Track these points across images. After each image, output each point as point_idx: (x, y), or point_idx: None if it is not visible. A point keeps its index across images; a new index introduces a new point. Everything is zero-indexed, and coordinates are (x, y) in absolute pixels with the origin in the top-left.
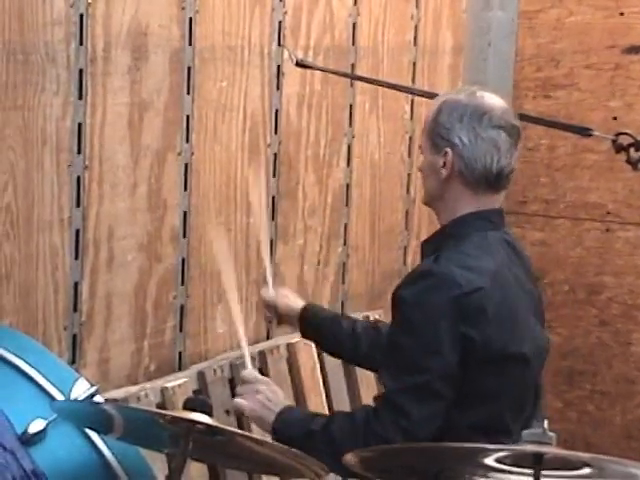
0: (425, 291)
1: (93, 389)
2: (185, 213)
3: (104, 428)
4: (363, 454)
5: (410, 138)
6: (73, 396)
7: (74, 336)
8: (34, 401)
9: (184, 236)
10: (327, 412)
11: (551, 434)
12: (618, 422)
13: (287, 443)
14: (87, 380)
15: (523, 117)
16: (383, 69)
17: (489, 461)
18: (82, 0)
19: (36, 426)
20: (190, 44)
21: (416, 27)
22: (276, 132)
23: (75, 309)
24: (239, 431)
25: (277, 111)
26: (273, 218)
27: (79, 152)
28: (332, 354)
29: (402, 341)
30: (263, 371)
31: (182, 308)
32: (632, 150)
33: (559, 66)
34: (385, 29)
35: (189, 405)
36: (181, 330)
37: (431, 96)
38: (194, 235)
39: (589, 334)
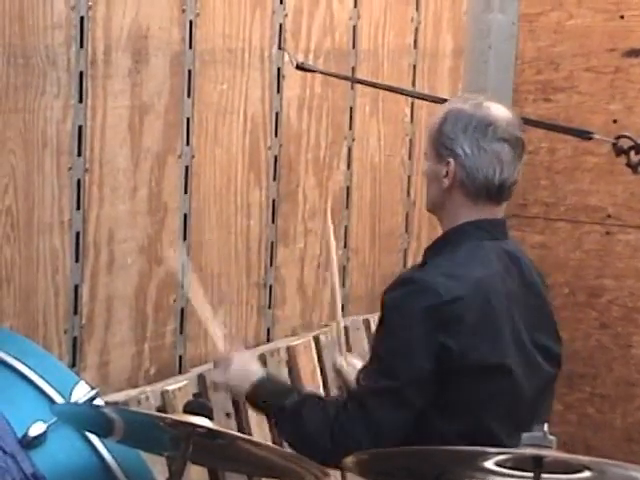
0: (404, 297)
1: (93, 392)
2: (185, 216)
3: (104, 431)
4: (362, 457)
5: (410, 141)
6: (73, 399)
7: (74, 339)
8: (34, 404)
9: (184, 239)
10: None
11: (551, 437)
12: (618, 425)
13: (258, 409)
14: (87, 383)
15: (523, 120)
16: (383, 72)
17: (489, 464)
18: (83, 3)
19: (36, 429)
20: (190, 47)
21: (416, 30)
22: (276, 135)
23: (75, 312)
24: (239, 434)
25: (277, 114)
26: (273, 221)
27: (79, 155)
28: None
29: (380, 343)
30: None
31: (182, 311)
32: (632, 153)
33: (559, 69)
34: (385, 32)
35: (189, 408)
36: (181, 333)
37: (431, 99)
38: (194, 238)
39: (589, 337)
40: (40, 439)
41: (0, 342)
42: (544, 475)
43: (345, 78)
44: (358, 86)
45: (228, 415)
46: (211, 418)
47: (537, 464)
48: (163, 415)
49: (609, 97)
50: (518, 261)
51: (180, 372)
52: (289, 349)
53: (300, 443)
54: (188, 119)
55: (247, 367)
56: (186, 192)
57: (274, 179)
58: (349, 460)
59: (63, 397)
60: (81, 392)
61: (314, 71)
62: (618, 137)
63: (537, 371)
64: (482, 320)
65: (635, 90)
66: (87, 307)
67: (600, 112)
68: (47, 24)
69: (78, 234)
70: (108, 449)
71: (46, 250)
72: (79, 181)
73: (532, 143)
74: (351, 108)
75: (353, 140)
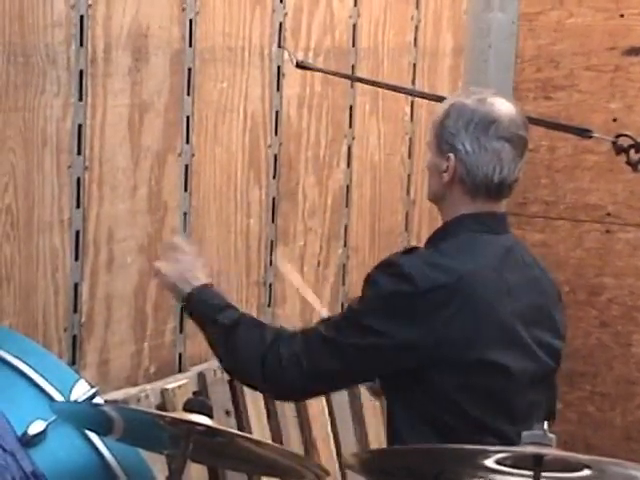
0: (381, 277)
1: (93, 390)
2: (185, 214)
3: (104, 429)
4: (363, 456)
5: (410, 139)
6: (73, 397)
7: (74, 337)
8: (34, 402)
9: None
10: (327, 415)
11: (551, 435)
12: (618, 423)
13: (193, 318)
14: (87, 381)
15: None
16: (383, 70)
17: (489, 463)
18: (82, 2)
19: (36, 427)
20: (190, 45)
21: (416, 28)
22: (276, 133)
23: (75, 310)
24: (239, 433)
25: (277, 112)
26: (273, 220)
27: (79, 153)
28: None
29: (352, 304)
30: None
31: (182, 310)
32: (632, 151)
33: (559, 67)
34: (385, 30)
35: (189, 406)
36: (181, 331)
37: (431, 98)
38: (194, 236)
39: (589, 335)
40: (40, 437)
41: (0, 340)
42: (544, 473)
43: (345, 76)
44: (358, 84)
45: (228, 413)
46: (211, 416)
47: (537, 462)
48: (163, 413)
49: (609, 95)
50: (518, 255)
51: (180, 370)
52: None
53: (230, 362)
54: (188, 117)
55: (194, 270)
56: (186, 190)
57: (274, 177)
58: (349, 458)
59: (63, 395)
60: (81, 390)
61: (314, 69)
62: (618, 136)
63: (531, 364)
64: (463, 312)
65: (635, 89)
66: (87, 305)
67: (600, 110)
68: (47, 22)
69: (78, 233)
70: (108, 447)
71: (46, 248)
72: (79, 179)
73: (532, 141)
74: (351, 106)
75: (353, 139)
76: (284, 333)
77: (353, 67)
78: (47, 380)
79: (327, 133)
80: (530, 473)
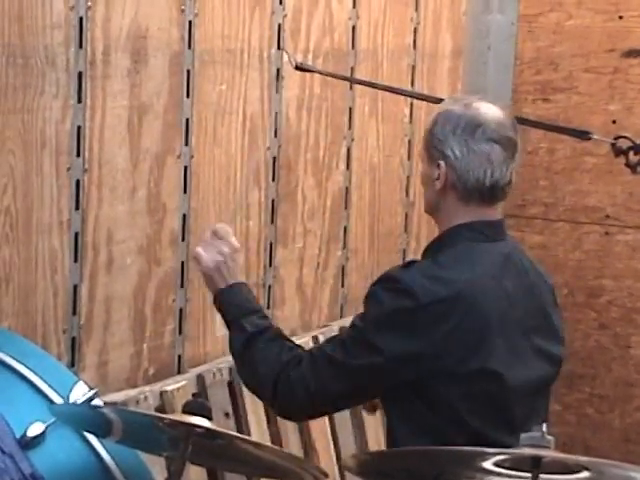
0: (382, 293)
1: (92, 392)
2: (184, 216)
3: (103, 431)
4: (362, 458)
5: (409, 141)
6: (72, 399)
7: (73, 339)
8: (33, 404)
9: (183, 239)
10: (327, 417)
11: (550, 437)
12: (617, 425)
13: (220, 312)
14: (86, 383)
15: (522, 121)
16: (382, 72)
17: (488, 465)
18: (82, 3)
19: (35, 429)
20: (190, 47)
21: (415, 30)
22: (275, 135)
23: (74, 312)
24: (238, 435)
25: (276, 114)
26: (272, 221)
27: (78, 155)
28: None
29: (355, 321)
30: None
31: (181, 311)
32: (631, 153)
33: (558, 69)
34: (384, 32)
35: (188, 408)
36: (180, 333)
37: (430, 100)
38: (193, 238)
39: (588, 337)
40: (39, 439)
41: None
42: (542, 475)
43: (344, 78)
44: (357, 86)
45: (227, 415)
46: (210, 418)
47: (535, 464)
48: (162, 415)
49: (608, 97)
50: (516, 262)
51: (179, 372)
52: None
53: (246, 374)
54: (187, 119)
55: (232, 266)
56: (185, 192)
57: (273, 179)
58: (348, 460)
59: (62, 397)
60: (80, 392)
61: (313, 71)
62: (617, 137)
63: (532, 372)
64: (464, 323)
65: (634, 91)
66: (86, 307)
67: (599, 112)
68: (46, 24)
69: (77, 234)
70: (107, 449)
71: (45, 250)
72: (78, 181)
73: (531, 143)
74: (350, 108)
75: (352, 140)
76: (297, 354)
77: (352, 69)
78: (46, 382)
79: (326, 135)
80: (528, 475)
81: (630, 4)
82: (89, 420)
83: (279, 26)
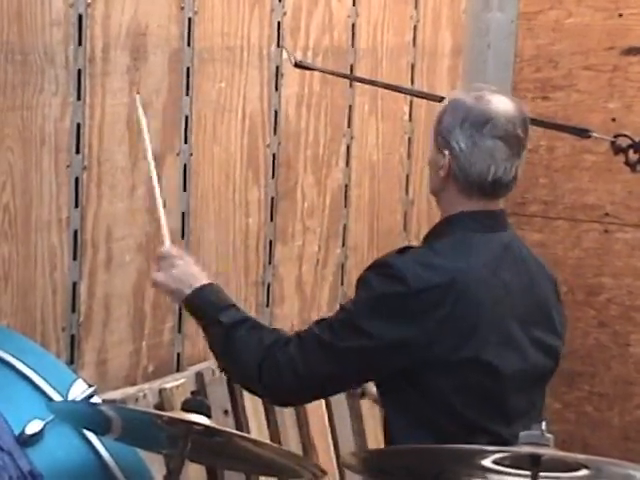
0: (374, 278)
1: (91, 390)
2: (184, 214)
3: (102, 429)
4: (361, 455)
5: (409, 139)
6: (71, 397)
7: (72, 337)
8: (32, 402)
9: (182, 237)
10: (326, 414)
11: (549, 435)
12: (616, 423)
13: (195, 319)
14: (85, 381)
15: None
16: (382, 70)
17: (487, 463)
18: (81, 0)
19: (34, 427)
20: (189, 45)
21: (415, 28)
22: (275, 133)
23: (73, 310)
24: (237, 432)
25: (276, 112)
26: (272, 219)
27: (78, 152)
28: None
29: (347, 304)
30: None
31: (180, 309)
32: (631, 152)
33: (558, 67)
34: (384, 30)
35: (187, 406)
36: (179, 331)
37: (430, 97)
38: (193, 236)
39: (588, 335)
40: (37, 437)
41: None
42: (542, 473)
43: (344, 76)
44: (357, 84)
45: (226, 413)
46: (209, 416)
47: (535, 462)
48: (161, 413)
49: (608, 95)
50: (516, 253)
51: (178, 370)
52: None
53: (229, 362)
54: (186, 117)
55: (191, 271)
56: (185, 190)
57: (273, 177)
58: (348, 458)
59: (61, 395)
60: (79, 390)
61: (313, 69)
62: (616, 135)
63: (528, 363)
64: (456, 311)
65: (634, 88)
66: (85, 305)
67: (599, 110)
68: (45, 21)
69: (76, 232)
70: (106, 447)
71: (44, 248)
72: (77, 179)
73: (531, 141)
74: (350, 106)
75: (352, 138)
76: (282, 337)
77: (352, 67)
78: (45, 379)
79: (326, 133)
80: (528, 473)
81: (629, 2)
82: (88, 418)
83: (279, 24)
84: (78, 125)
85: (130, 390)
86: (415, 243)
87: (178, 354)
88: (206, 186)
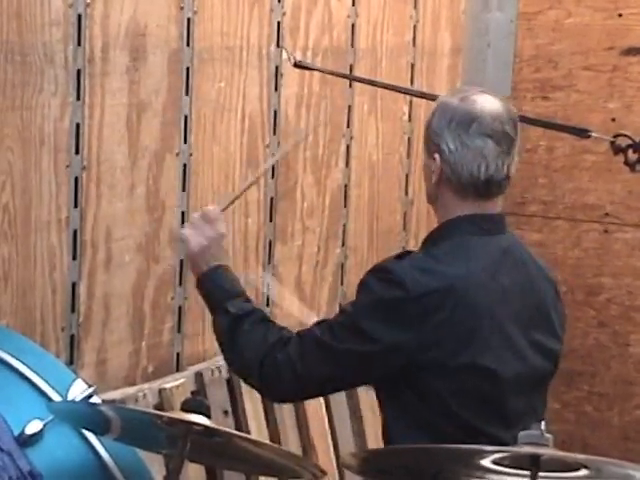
0: (373, 283)
1: (90, 390)
2: (183, 214)
3: (101, 429)
4: (361, 455)
5: (409, 139)
6: (70, 397)
7: (72, 337)
8: (31, 402)
9: None
10: (325, 414)
11: (548, 435)
12: (616, 423)
13: (203, 299)
14: (84, 381)
15: (521, 118)
16: (382, 70)
17: (486, 463)
18: (80, 1)
19: (33, 427)
20: (188, 45)
21: (415, 28)
22: (274, 133)
23: (73, 310)
24: (237, 432)
25: (275, 112)
26: (271, 219)
27: (77, 152)
28: None
29: (347, 307)
30: None
31: (180, 309)
32: (630, 151)
33: (558, 67)
34: (384, 30)
35: (187, 406)
36: (179, 331)
37: (429, 97)
38: None
39: (587, 335)
40: (37, 437)
41: None
42: (541, 473)
43: (343, 76)
44: (356, 84)
45: (225, 413)
46: (208, 416)
47: (534, 462)
48: (160, 413)
49: (607, 95)
50: (515, 256)
51: (178, 370)
52: None
53: (231, 353)
54: (186, 117)
55: (216, 249)
56: (184, 190)
57: (272, 177)
58: (347, 458)
59: (60, 395)
60: (78, 390)
61: (312, 69)
62: (616, 135)
63: (527, 367)
64: (455, 316)
65: (633, 89)
66: (85, 305)
67: (598, 110)
68: (45, 21)
69: (75, 232)
70: (105, 447)
71: (43, 248)
72: (77, 179)
73: (530, 141)
74: (349, 106)
75: (351, 138)
76: (285, 336)
77: (351, 67)
78: (44, 379)
79: (325, 133)
80: (527, 473)
81: (629, 2)
82: (87, 418)
83: (278, 24)
84: (77, 125)
85: (130, 390)
86: (414, 243)
87: (178, 354)
88: (205, 186)
